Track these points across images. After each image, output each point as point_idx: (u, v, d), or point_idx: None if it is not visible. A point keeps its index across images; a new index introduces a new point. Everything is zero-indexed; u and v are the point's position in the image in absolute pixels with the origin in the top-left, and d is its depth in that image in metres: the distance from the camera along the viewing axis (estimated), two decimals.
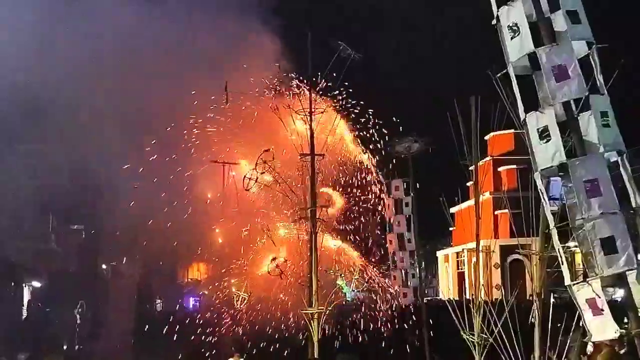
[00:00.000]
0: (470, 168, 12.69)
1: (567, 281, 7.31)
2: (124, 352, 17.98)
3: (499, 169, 38.33)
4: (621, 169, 7.23)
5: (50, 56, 18.34)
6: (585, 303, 6.99)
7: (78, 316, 20.17)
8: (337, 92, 17.42)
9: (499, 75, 7.88)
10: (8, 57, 16.71)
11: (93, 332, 19.44)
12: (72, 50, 18.99)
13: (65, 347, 18.81)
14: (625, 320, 7.29)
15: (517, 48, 7.56)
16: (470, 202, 15.93)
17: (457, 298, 27.72)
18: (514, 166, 36.52)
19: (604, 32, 7.91)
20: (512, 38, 7.57)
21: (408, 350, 18.87)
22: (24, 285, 23.54)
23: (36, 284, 24.34)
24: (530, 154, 7.52)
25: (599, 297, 6.86)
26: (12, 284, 21.62)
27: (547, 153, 7.30)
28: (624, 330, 6.88)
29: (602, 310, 6.85)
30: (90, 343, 19.10)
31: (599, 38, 7.50)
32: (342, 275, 15.63)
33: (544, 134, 7.30)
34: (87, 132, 20.09)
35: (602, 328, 6.91)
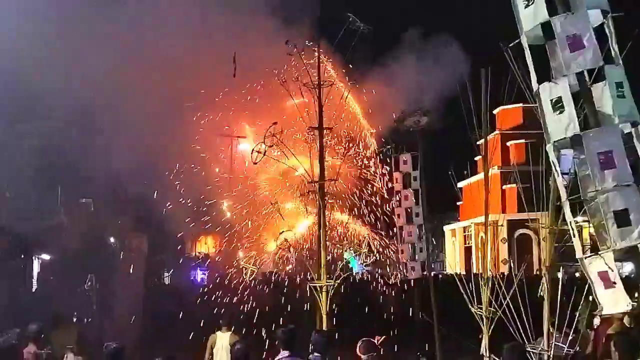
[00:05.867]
0: (479, 142, 12.57)
1: (579, 254, 7.24)
2: (133, 325, 18.11)
3: (508, 144, 38.25)
4: (635, 140, 7.10)
5: (57, 32, 18.27)
6: (597, 276, 6.92)
7: (87, 290, 20.29)
8: (346, 65, 17.27)
9: (511, 45, 7.76)
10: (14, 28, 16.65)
11: (102, 306, 19.55)
12: (78, 26, 18.92)
13: (75, 320, 18.94)
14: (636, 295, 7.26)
15: (530, 17, 7.39)
16: (479, 176, 15.87)
17: (464, 272, 27.84)
18: (523, 140, 36.41)
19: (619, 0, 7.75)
20: (525, 7, 7.41)
21: (415, 322, 18.96)
22: (33, 258, 23.70)
23: (45, 257, 24.50)
24: (543, 126, 7.40)
25: (612, 270, 6.79)
26: (22, 257, 21.77)
27: (561, 124, 7.17)
28: (635, 303, 6.84)
29: (615, 283, 6.78)
30: (99, 316, 19.23)
31: (614, 6, 7.34)
32: (350, 249, 15.64)
33: (557, 105, 7.18)
34: (96, 107, 20.08)
35: (614, 301, 6.84)
